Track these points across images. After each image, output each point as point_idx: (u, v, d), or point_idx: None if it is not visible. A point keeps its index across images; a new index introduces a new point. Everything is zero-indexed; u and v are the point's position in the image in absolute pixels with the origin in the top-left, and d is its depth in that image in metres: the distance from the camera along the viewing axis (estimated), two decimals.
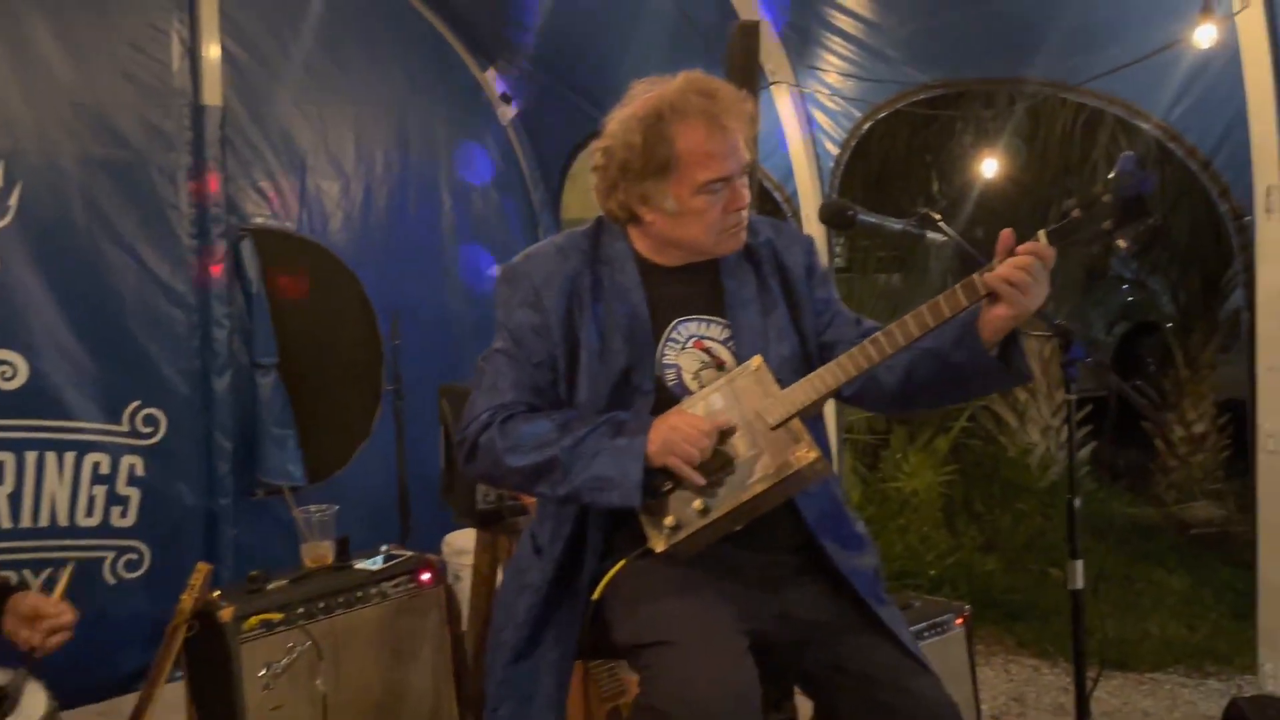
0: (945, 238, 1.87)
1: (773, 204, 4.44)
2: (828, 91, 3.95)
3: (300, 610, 2.52)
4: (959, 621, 2.97)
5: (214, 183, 3.90)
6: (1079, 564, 2.04)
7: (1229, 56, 2.97)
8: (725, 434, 1.80)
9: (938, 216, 1.87)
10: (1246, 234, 3.06)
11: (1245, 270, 3.09)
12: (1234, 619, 4.29)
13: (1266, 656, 3.13)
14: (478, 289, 4.61)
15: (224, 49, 3.96)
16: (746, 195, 1.88)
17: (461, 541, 3.70)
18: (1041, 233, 1.72)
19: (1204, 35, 2.87)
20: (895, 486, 5.33)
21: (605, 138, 1.88)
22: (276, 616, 2.46)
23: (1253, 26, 2.89)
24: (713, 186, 1.82)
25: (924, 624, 2.90)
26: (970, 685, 2.98)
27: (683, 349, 1.92)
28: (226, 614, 2.38)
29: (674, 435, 1.76)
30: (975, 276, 1.72)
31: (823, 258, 4.08)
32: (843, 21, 3.70)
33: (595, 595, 1.84)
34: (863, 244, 6.49)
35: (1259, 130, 2.97)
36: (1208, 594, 4.63)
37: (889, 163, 6.07)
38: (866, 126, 4.01)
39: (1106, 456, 6.30)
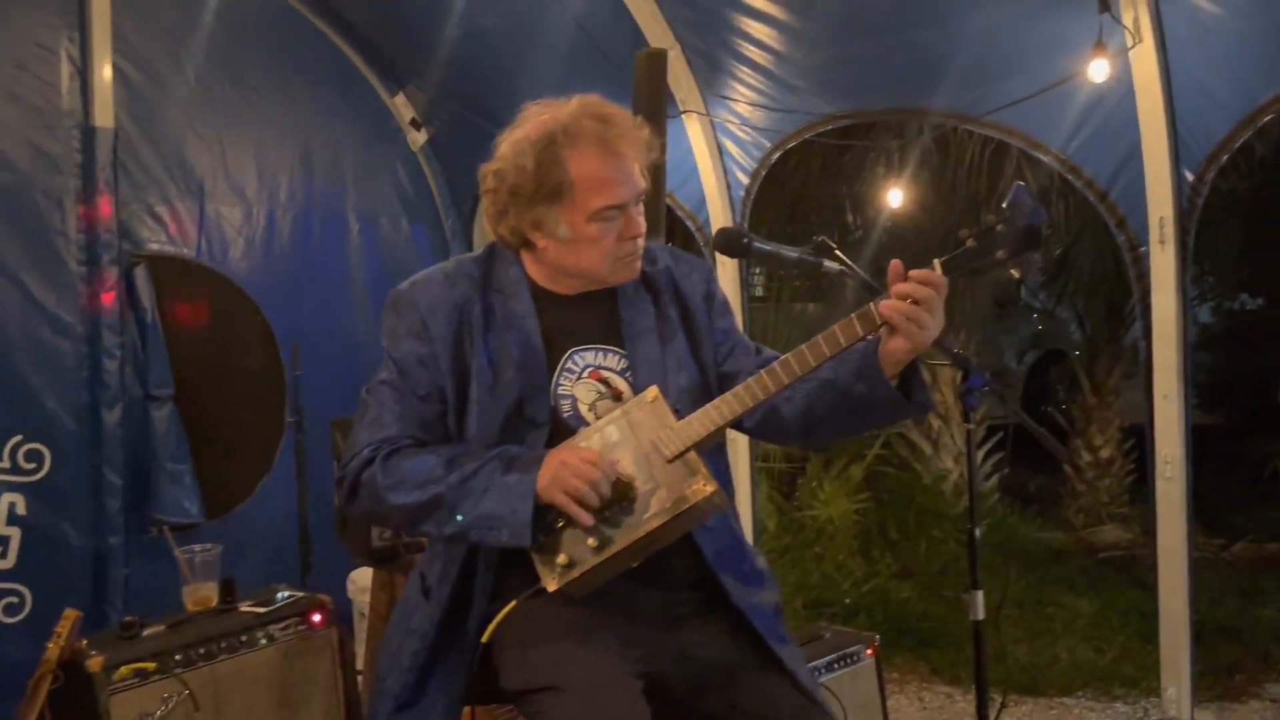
0: (841, 267, 1.85)
1: (685, 233, 4.44)
2: (737, 121, 3.96)
3: (177, 658, 2.38)
4: (869, 652, 2.96)
5: (105, 207, 3.74)
6: (979, 594, 2.03)
7: (1124, 91, 3.05)
8: (619, 477, 1.74)
9: (834, 245, 1.85)
10: (1142, 264, 3.13)
11: (1142, 300, 3.16)
12: (1140, 642, 4.36)
13: (1169, 681, 3.18)
14: None
15: (117, 69, 3.82)
16: (642, 223, 1.82)
17: (367, 579, 3.57)
18: (936, 261, 1.70)
19: (1097, 70, 2.94)
20: (811, 515, 5.33)
21: (496, 160, 1.82)
22: (150, 665, 2.31)
23: (1145, 62, 2.97)
24: (607, 214, 1.77)
25: (834, 655, 2.88)
26: (880, 716, 2.96)
27: (578, 379, 1.86)
28: (95, 664, 2.24)
29: (563, 470, 1.69)
30: (872, 306, 1.70)
31: (730, 286, 4.11)
32: (752, 52, 3.71)
33: (484, 638, 1.76)
34: (779, 273, 6.54)
35: (1152, 163, 3.05)
36: (1115, 617, 4.70)
37: (804, 192, 6.12)
38: (776, 156, 4.03)
39: (1017, 482, 6.40)
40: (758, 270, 6.59)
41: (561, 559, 1.74)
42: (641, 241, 1.85)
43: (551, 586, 1.73)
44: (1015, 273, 1.73)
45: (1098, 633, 4.57)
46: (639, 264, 1.87)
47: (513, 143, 1.80)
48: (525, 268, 1.89)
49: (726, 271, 4.15)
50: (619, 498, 1.73)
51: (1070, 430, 6.43)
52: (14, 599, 3.53)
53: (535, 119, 1.80)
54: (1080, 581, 5.25)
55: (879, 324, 1.69)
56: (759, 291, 6.98)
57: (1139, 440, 6.06)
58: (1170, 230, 3.03)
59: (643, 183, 1.81)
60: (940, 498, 5.79)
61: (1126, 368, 6.26)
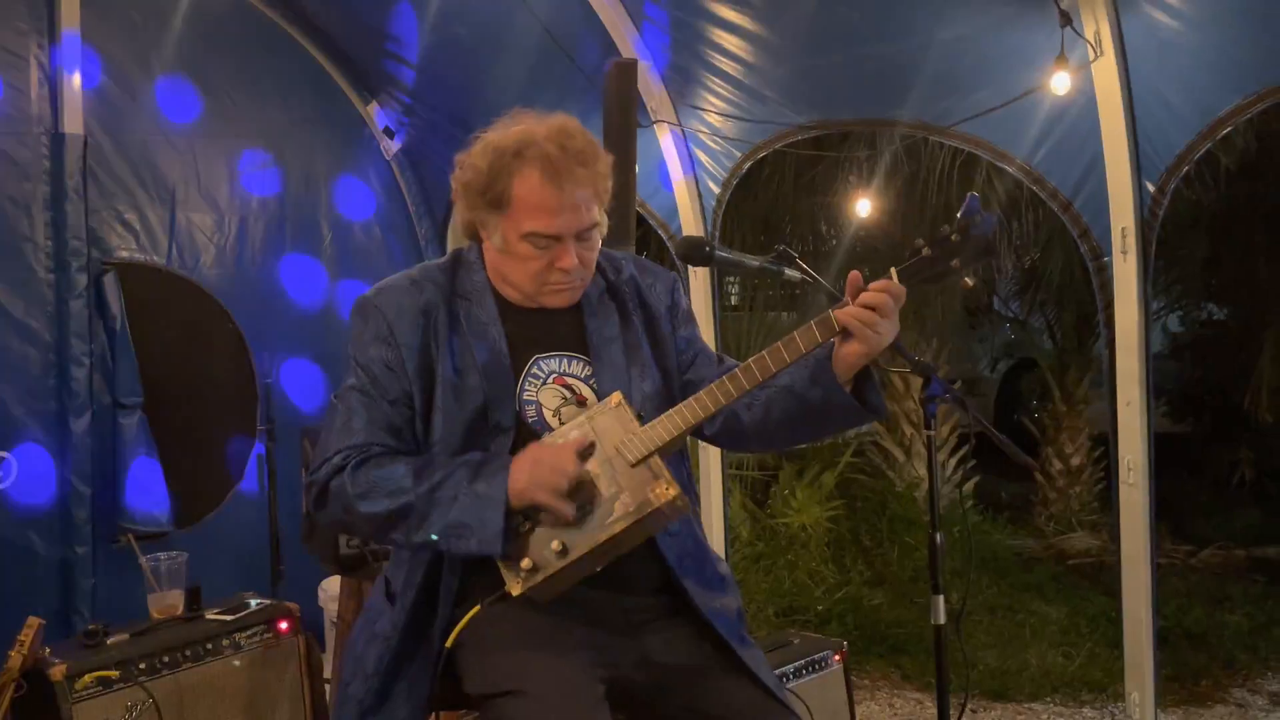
0: (802, 275, 1.87)
1: (658, 241, 4.46)
2: (708, 131, 3.99)
3: (141, 666, 2.38)
4: (837, 658, 2.97)
5: (74, 214, 3.73)
6: (940, 599, 2.05)
7: (1086, 102, 3.10)
8: (585, 454, 1.76)
9: (795, 254, 1.88)
10: (1105, 274, 3.17)
11: (1105, 309, 3.20)
12: (1108, 647, 4.40)
13: (1133, 685, 3.21)
14: None
15: (86, 75, 3.81)
16: (573, 259, 1.79)
17: (338, 588, 3.57)
18: (893, 270, 1.73)
19: (1059, 83, 2.98)
20: (784, 522, 5.36)
21: (468, 153, 1.84)
22: (113, 674, 2.30)
23: (1106, 75, 3.01)
24: (537, 239, 1.78)
25: (802, 661, 2.90)
26: None
27: (543, 385, 1.87)
28: (58, 672, 2.23)
29: (539, 469, 1.70)
30: (831, 313, 1.73)
31: (703, 295, 4.12)
32: (722, 62, 3.74)
33: (448, 643, 1.76)
34: (754, 282, 6.58)
35: (1114, 174, 3.10)
36: (1084, 623, 4.75)
37: (777, 202, 6.15)
38: (748, 166, 4.06)
39: (989, 489, 6.45)
40: (732, 279, 6.63)
41: (526, 563, 1.75)
42: (574, 275, 1.83)
43: (516, 591, 1.74)
44: (969, 281, 1.76)
45: (1067, 639, 4.61)
46: (571, 295, 1.87)
47: (485, 141, 1.82)
48: (489, 274, 1.90)
49: (699, 280, 4.17)
50: (586, 499, 1.74)
51: (1041, 438, 6.48)
52: None
53: (512, 125, 1.82)
54: (1050, 588, 5.29)
55: (838, 330, 1.72)
56: (733, 300, 7.02)
57: (1108, 448, 6.13)
58: (1132, 240, 3.08)
59: (591, 219, 1.80)
60: (913, 505, 5.82)
61: (1095, 376, 6.33)
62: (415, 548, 1.80)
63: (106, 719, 2.31)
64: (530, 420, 1.84)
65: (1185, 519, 5.93)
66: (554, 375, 1.88)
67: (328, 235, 4.58)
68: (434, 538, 1.72)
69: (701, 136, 4.04)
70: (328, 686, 2.86)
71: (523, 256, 1.80)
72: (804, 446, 5.66)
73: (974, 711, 3.91)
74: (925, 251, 1.72)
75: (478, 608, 1.75)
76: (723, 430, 1.91)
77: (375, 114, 4.75)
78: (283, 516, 3.85)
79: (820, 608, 4.87)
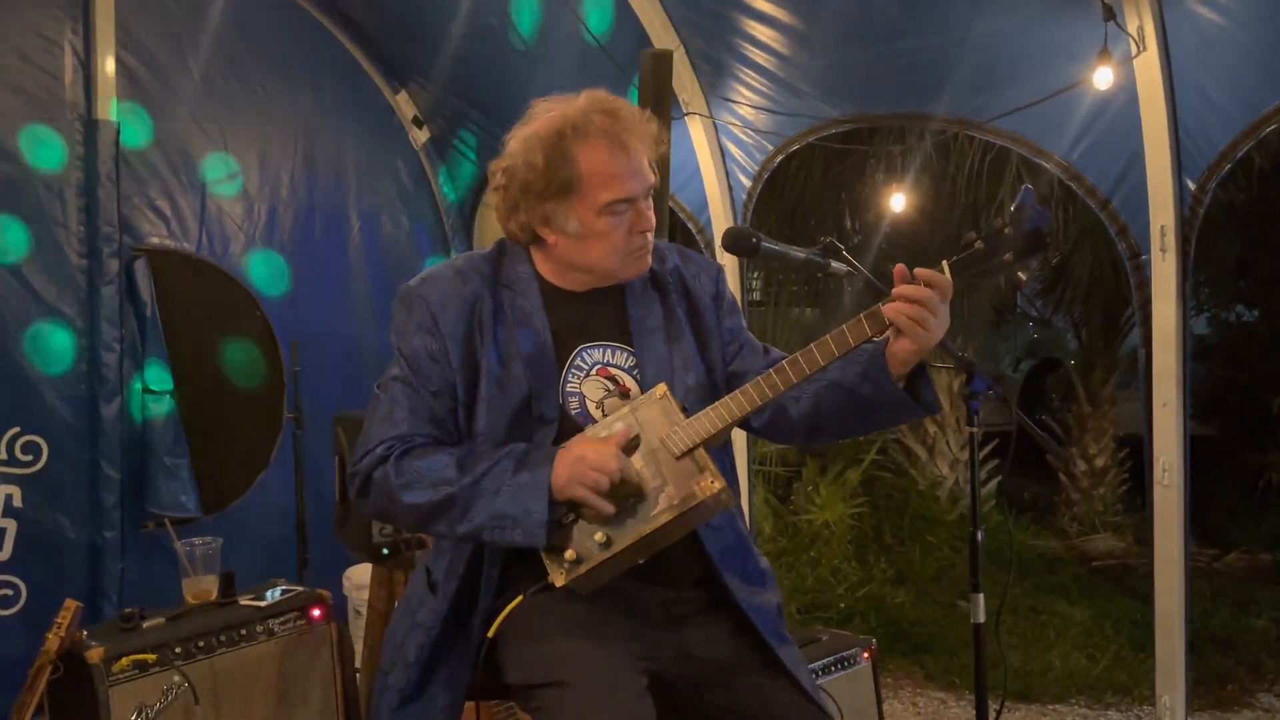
0: (848, 268, 1.86)
1: (686, 234, 4.44)
2: (740, 124, 3.96)
3: (177, 650, 2.39)
4: (865, 655, 2.96)
5: (106, 201, 3.74)
6: (980, 597, 2.03)
7: (1127, 98, 3.06)
8: (629, 449, 1.75)
9: (841, 246, 1.86)
10: (1142, 272, 3.14)
11: (1142, 308, 3.17)
12: (1133, 650, 4.38)
13: (1164, 688, 3.18)
14: (385, 315, 4.51)
15: (120, 62, 3.82)
16: (651, 218, 1.82)
17: (363, 576, 3.57)
18: (945, 263, 1.71)
19: (1101, 78, 2.95)
20: (807, 519, 5.34)
21: (506, 157, 1.82)
22: (150, 657, 2.31)
23: (1149, 70, 2.98)
24: (617, 208, 1.77)
25: (831, 658, 2.89)
26: (876, 719, 2.96)
27: (587, 376, 1.86)
28: (95, 655, 2.23)
29: (581, 465, 1.69)
30: (880, 307, 1.71)
31: (733, 288, 4.10)
32: (756, 55, 3.72)
33: (490, 633, 1.76)
34: (778, 277, 6.55)
35: (1155, 171, 3.06)
36: (1108, 625, 4.72)
37: (804, 196, 6.13)
38: (779, 159, 4.03)
39: (1012, 489, 6.41)
40: (756, 274, 6.60)
41: (569, 554, 1.73)
42: (651, 236, 1.84)
43: (559, 582, 1.73)
44: (1022, 275, 1.74)
45: (1091, 641, 4.58)
46: (649, 259, 1.87)
47: (522, 139, 1.80)
48: (534, 264, 1.89)
49: (727, 275, 4.14)
50: (629, 494, 1.73)
51: (1065, 439, 6.44)
52: (9, 591, 3.53)
53: (544, 115, 1.81)
54: (1074, 589, 5.26)
55: (887, 324, 1.70)
56: (756, 295, 7.00)
57: (1134, 449, 6.08)
58: (1171, 239, 3.04)
59: (652, 176, 1.82)
60: (935, 504, 5.81)
61: (1122, 377, 6.28)
62: (459, 539, 1.79)
63: (142, 702, 2.32)
64: (574, 412, 1.83)
65: (1211, 522, 5.88)
66: (597, 366, 1.87)
67: (356, 224, 4.57)
68: (477, 526, 1.71)
69: (733, 129, 4.01)
70: (357, 675, 2.86)
71: (603, 232, 1.78)
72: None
73: (1000, 711, 3.89)
74: (978, 244, 1.69)
75: (520, 598, 1.75)
76: (770, 423, 1.90)
77: (404, 103, 4.75)
78: (309, 504, 3.86)
79: (843, 605, 4.85)
